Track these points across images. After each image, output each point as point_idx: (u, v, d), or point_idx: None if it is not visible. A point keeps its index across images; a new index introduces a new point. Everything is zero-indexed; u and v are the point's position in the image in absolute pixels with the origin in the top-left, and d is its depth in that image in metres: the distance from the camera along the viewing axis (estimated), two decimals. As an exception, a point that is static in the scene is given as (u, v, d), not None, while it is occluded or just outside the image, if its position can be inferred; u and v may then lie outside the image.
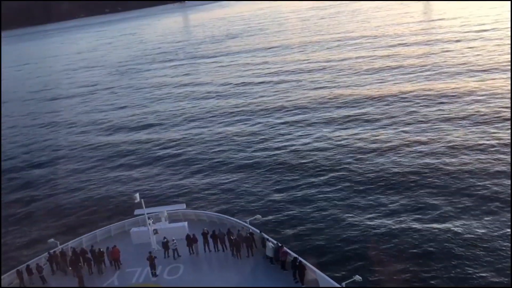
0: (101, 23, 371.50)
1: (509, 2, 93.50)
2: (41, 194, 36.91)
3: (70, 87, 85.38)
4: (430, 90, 46.79)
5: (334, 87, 54.20)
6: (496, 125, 35.53)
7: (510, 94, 41.10)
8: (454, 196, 26.24)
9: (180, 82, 72.84)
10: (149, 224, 21.65)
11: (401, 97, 45.95)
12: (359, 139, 36.99)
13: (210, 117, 50.70)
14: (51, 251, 21.62)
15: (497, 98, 41.33)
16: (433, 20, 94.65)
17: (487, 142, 32.64)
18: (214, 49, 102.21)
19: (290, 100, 51.58)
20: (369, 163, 32.19)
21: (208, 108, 54.56)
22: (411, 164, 31.05)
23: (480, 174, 28.19)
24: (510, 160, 29.15)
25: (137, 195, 21.41)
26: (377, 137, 36.73)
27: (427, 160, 31.11)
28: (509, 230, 22.75)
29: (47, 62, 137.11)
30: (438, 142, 33.91)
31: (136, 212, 22.87)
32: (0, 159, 48.07)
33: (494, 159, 29.81)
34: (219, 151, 39.96)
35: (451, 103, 42.01)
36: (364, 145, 35.47)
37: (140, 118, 55.37)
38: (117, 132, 51.32)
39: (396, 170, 30.53)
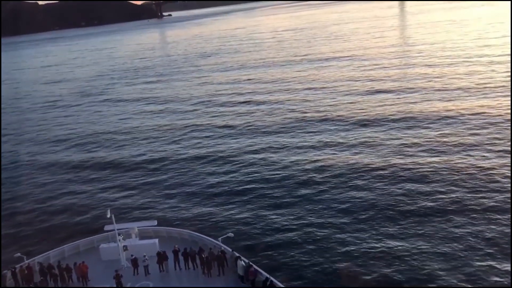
0: (75, 36, 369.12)
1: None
2: (7, 208, 35.89)
3: (33, 101, 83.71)
4: (412, 112, 47.79)
5: (309, 107, 54.74)
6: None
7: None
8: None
9: (148, 99, 72.52)
10: (119, 240, 21.46)
11: (382, 120, 46.76)
12: (334, 159, 37.34)
13: (181, 135, 50.43)
14: (17, 266, 21.17)
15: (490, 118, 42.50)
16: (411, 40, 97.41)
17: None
18: (185, 67, 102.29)
19: (263, 119, 51.83)
20: (347, 185, 32.41)
21: (178, 126, 54.23)
22: (389, 187, 31.42)
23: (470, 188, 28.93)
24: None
25: (108, 210, 21.31)
26: (352, 160, 37.12)
27: (408, 185, 31.56)
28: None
29: (12, 74, 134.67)
30: (412, 168, 34.45)
31: (106, 228, 22.59)
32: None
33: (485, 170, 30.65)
34: (191, 168, 39.73)
35: (431, 125, 42.89)
36: (340, 165, 35.77)
37: (108, 134, 54.64)
38: (84, 147, 50.36)
39: (372, 191, 30.86)
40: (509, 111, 43.68)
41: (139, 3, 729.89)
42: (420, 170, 33.14)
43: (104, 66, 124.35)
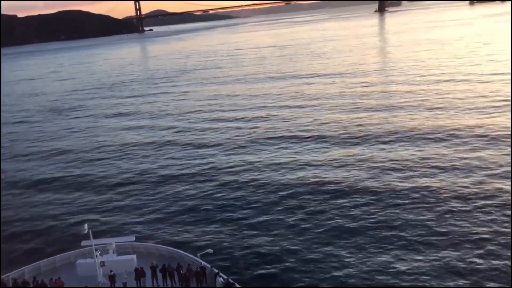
0: (54, 49, 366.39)
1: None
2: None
3: (4, 116, 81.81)
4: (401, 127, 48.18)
5: (289, 124, 54.92)
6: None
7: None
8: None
9: (126, 114, 71.96)
10: (96, 256, 21.10)
11: (364, 137, 47.01)
12: (314, 177, 37.31)
13: (160, 151, 49.96)
14: (-10, 281, 20.69)
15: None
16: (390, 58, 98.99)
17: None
18: (164, 83, 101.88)
19: (243, 136, 51.74)
20: (328, 203, 32.41)
21: (157, 142, 53.82)
22: (373, 205, 31.49)
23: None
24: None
25: (85, 225, 20.95)
26: (334, 178, 37.17)
27: (392, 202, 31.67)
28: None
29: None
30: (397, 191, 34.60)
31: (83, 243, 22.24)
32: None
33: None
34: (169, 185, 39.34)
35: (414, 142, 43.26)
36: (321, 183, 35.76)
37: (85, 150, 53.95)
38: (60, 163, 49.46)
39: (355, 209, 30.91)
40: (495, 127, 44.26)
41: (120, 17, 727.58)
42: (404, 187, 33.34)
43: (81, 81, 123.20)
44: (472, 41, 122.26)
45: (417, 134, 46.32)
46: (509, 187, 31.42)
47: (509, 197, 29.90)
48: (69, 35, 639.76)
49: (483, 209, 28.91)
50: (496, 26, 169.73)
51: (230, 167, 42.26)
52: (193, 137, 54.09)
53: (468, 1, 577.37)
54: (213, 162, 44.07)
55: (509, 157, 37.13)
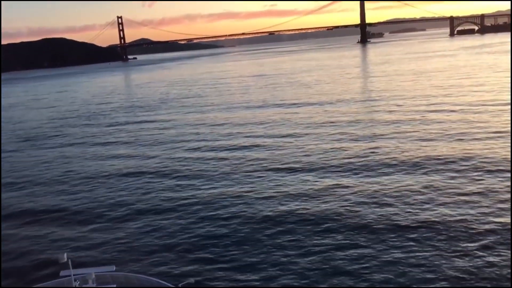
0: (36, 77, 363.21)
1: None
2: None
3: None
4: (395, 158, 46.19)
5: (272, 154, 52.83)
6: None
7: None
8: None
9: (106, 143, 69.15)
10: (75, 286, 20.33)
11: (346, 166, 44.89)
12: (298, 208, 34.98)
13: (141, 180, 47.40)
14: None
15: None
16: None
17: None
18: (146, 112, 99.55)
19: (225, 166, 49.44)
20: (313, 234, 30.02)
21: (136, 171, 51.17)
22: (349, 237, 29.11)
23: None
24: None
25: (65, 254, 20.19)
26: (316, 208, 34.80)
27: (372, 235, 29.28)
28: None
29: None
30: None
31: (62, 273, 21.12)
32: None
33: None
34: (150, 214, 37.21)
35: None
36: (305, 214, 33.46)
37: (61, 178, 51.08)
38: (37, 192, 46.84)
39: (338, 240, 28.52)
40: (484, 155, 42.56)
41: (104, 45, 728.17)
42: (392, 219, 31.04)
43: (60, 109, 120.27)
44: (456, 72, 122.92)
45: (404, 163, 44.81)
46: (508, 220, 29.28)
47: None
48: (52, 62, 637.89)
49: (481, 242, 26.74)
50: (478, 58, 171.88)
51: (213, 198, 40.32)
52: (175, 167, 51.77)
53: (448, 34, 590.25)
54: (195, 193, 41.97)
55: (499, 187, 35.24)
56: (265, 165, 49.52)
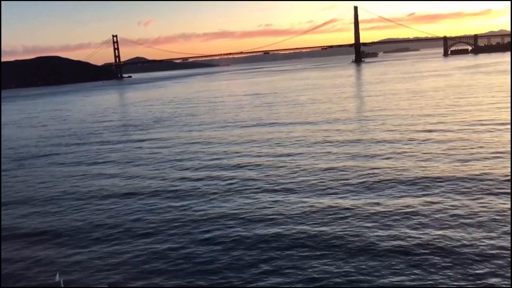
0: (31, 95, 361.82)
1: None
2: None
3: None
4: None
5: (265, 172, 51.40)
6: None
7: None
8: None
9: (97, 163, 67.54)
10: None
11: (341, 187, 43.49)
12: (290, 230, 33.47)
13: (133, 200, 45.74)
14: None
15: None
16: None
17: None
18: (139, 131, 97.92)
19: (219, 186, 47.95)
20: (312, 259, 28.48)
21: (128, 190, 49.56)
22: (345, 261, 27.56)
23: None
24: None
25: (57, 275, 20.25)
26: (312, 231, 33.26)
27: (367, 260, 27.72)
28: None
29: None
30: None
31: None
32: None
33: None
34: (145, 237, 35.38)
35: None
36: (298, 237, 31.96)
37: (54, 198, 49.45)
38: (25, 212, 45.10)
39: (332, 266, 26.98)
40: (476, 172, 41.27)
41: (99, 63, 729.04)
42: (390, 241, 29.55)
43: (52, 128, 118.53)
44: (451, 92, 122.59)
45: (403, 183, 43.43)
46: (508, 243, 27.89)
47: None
48: (46, 81, 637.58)
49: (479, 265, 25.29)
50: (473, 77, 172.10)
51: (206, 218, 38.82)
52: (167, 187, 50.17)
53: (442, 53, 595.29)
54: (187, 213, 40.41)
55: (501, 208, 33.83)
56: (260, 185, 48.08)
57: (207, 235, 35.51)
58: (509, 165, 46.76)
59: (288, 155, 61.13)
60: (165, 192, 48.54)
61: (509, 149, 53.29)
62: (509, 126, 66.54)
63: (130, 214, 42.26)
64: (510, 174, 43.83)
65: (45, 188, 55.13)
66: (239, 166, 57.30)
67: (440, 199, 39.20)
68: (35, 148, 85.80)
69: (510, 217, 33.83)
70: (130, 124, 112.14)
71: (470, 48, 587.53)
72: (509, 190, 39.63)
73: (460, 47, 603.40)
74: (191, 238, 35.20)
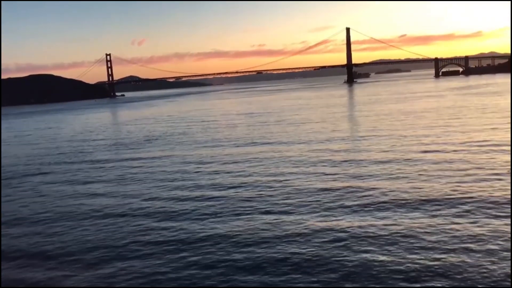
0: (22, 113, 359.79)
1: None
2: None
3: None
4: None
5: (259, 193, 50.42)
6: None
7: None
8: None
9: (87, 183, 66.27)
10: None
11: (336, 207, 42.51)
12: (289, 253, 32.40)
13: (124, 218, 44.48)
14: None
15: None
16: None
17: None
18: (130, 150, 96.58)
19: (207, 205, 46.84)
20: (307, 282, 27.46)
21: (118, 211, 48.34)
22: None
23: None
24: None
25: None
26: (310, 251, 32.21)
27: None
28: None
29: None
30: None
31: None
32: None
33: None
34: (134, 254, 33.82)
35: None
36: (294, 259, 30.90)
37: (40, 218, 47.98)
38: (15, 232, 43.74)
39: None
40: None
41: (92, 82, 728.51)
42: (386, 263, 28.55)
43: (42, 146, 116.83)
44: (445, 113, 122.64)
45: (399, 204, 42.45)
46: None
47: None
48: (39, 99, 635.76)
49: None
50: (465, 99, 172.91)
51: (198, 240, 37.68)
52: (158, 207, 48.78)
53: (433, 75, 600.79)
54: (179, 234, 39.20)
55: (500, 229, 33.04)
56: (253, 205, 46.96)
57: (198, 257, 34.33)
58: (508, 186, 46.15)
59: (282, 174, 60.20)
60: (157, 213, 47.32)
61: (506, 170, 52.78)
62: (504, 147, 66.24)
63: (120, 235, 40.91)
64: (510, 195, 43.16)
65: (33, 208, 53.70)
66: (232, 186, 56.26)
67: (436, 220, 38.35)
68: (24, 167, 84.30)
69: (510, 239, 33.03)
70: (121, 143, 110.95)
71: (461, 69, 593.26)
72: (508, 212, 38.92)
73: (451, 69, 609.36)
74: (182, 260, 33.96)
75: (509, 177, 49.65)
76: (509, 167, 54.29)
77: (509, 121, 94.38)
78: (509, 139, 72.71)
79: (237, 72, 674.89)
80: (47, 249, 38.91)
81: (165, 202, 51.35)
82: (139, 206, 50.34)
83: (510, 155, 60.10)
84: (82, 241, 40.14)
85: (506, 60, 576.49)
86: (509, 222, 36.50)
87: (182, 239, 38.69)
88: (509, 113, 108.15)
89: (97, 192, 59.39)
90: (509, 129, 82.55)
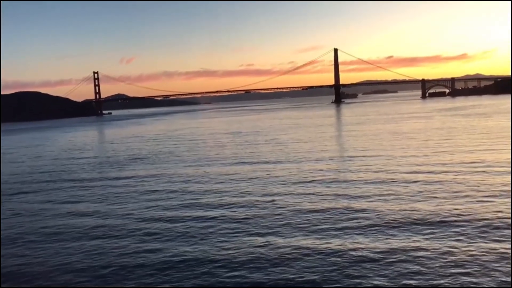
0: (7, 131, 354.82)
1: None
2: None
3: None
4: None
5: (246, 213, 48.94)
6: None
7: None
8: None
9: (71, 202, 64.35)
10: None
11: (322, 227, 41.20)
12: (273, 276, 30.94)
13: (107, 238, 42.84)
14: None
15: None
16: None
17: None
18: (114, 170, 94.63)
19: (192, 226, 45.26)
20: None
21: (102, 232, 46.69)
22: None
23: None
24: None
25: None
26: (291, 275, 30.75)
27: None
28: None
29: None
30: None
31: None
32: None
33: None
34: (120, 277, 32.96)
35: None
36: (282, 280, 29.44)
37: (19, 237, 46.23)
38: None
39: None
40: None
41: (79, 100, 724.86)
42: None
43: (24, 165, 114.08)
44: (433, 134, 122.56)
45: (390, 225, 41.45)
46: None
47: None
48: (25, 116, 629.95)
49: None
50: (453, 120, 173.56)
51: (185, 263, 36.23)
52: (143, 228, 47.13)
53: (420, 96, 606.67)
54: (165, 256, 37.74)
55: (498, 251, 31.88)
56: (241, 226, 45.51)
57: (183, 281, 32.87)
58: (501, 207, 45.30)
59: (270, 194, 58.87)
60: (141, 234, 45.59)
61: (498, 191, 52.09)
62: (495, 168, 65.83)
63: (102, 257, 39.20)
64: (510, 214, 42.33)
65: (12, 228, 51.77)
66: (219, 206, 54.73)
67: (427, 242, 37.26)
68: (5, 186, 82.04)
69: (510, 260, 31.96)
70: (106, 161, 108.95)
71: (447, 91, 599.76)
72: (500, 232, 37.98)
73: (437, 90, 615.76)
74: (166, 284, 32.56)
75: (502, 198, 48.88)
76: (501, 187, 53.60)
77: (498, 142, 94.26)
78: (499, 160, 72.27)
79: (226, 91, 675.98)
80: (25, 271, 37.03)
81: (150, 223, 49.57)
82: (122, 227, 48.54)
83: (510, 176, 59.41)
84: (63, 263, 38.30)
85: (491, 82, 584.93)
86: (500, 243, 35.50)
87: (166, 261, 37.09)
88: (498, 134, 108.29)
89: (79, 212, 57.34)
90: (499, 150, 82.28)
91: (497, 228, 39.93)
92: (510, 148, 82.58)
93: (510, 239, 36.59)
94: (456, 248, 35.84)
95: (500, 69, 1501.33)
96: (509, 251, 34.02)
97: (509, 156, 74.77)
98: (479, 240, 37.38)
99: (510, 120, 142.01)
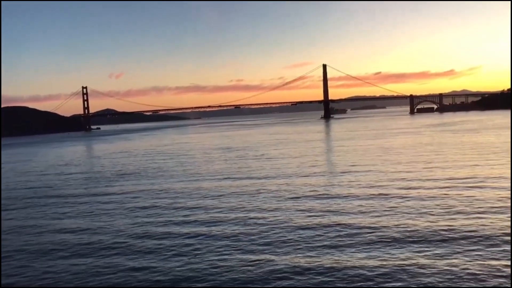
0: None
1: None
2: None
3: None
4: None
5: (235, 230, 47.83)
6: None
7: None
8: None
9: (57, 218, 62.82)
10: None
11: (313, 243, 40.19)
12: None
13: (95, 254, 41.49)
14: None
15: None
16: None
17: None
18: (101, 187, 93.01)
19: (180, 242, 44.07)
20: None
21: (83, 246, 45.29)
22: None
23: None
24: None
25: None
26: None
27: None
28: None
29: None
30: None
31: None
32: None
33: None
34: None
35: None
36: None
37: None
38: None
39: None
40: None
41: (67, 115, 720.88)
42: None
43: (8, 181, 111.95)
44: (423, 149, 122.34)
45: (383, 241, 40.67)
46: None
47: None
48: (11, 131, 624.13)
49: None
50: (442, 135, 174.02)
51: (173, 279, 35.28)
52: (130, 243, 45.96)
53: (408, 111, 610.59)
54: (152, 275, 36.45)
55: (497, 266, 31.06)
56: (230, 243, 44.36)
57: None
58: (494, 222, 44.63)
59: (260, 210, 57.86)
60: (129, 252, 44.24)
61: (490, 207, 51.58)
62: (487, 183, 65.58)
63: (89, 275, 37.96)
64: (509, 230, 41.64)
65: (-6, 245, 50.20)
66: (208, 222, 53.58)
67: (421, 258, 36.41)
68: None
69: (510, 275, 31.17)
70: (93, 177, 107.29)
71: (435, 106, 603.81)
72: (496, 248, 37.24)
73: (426, 106, 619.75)
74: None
75: (494, 213, 48.35)
76: (494, 203, 53.13)
77: (489, 157, 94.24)
78: (491, 175, 72.00)
79: (215, 106, 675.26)
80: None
81: (137, 240, 48.28)
82: (110, 244, 47.16)
83: (510, 190, 58.99)
84: (49, 282, 36.96)
85: (479, 98, 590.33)
86: (499, 260, 34.73)
87: (155, 280, 35.93)
88: (488, 150, 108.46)
89: (65, 227, 55.98)
90: (490, 166, 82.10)
91: (495, 245, 39.22)
92: (510, 163, 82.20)
93: (510, 255, 35.87)
94: (453, 265, 35.02)
95: (486, 85, 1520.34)
96: (509, 269, 33.24)
97: (500, 172, 74.56)
98: (476, 256, 36.60)
99: (510, 135, 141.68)
